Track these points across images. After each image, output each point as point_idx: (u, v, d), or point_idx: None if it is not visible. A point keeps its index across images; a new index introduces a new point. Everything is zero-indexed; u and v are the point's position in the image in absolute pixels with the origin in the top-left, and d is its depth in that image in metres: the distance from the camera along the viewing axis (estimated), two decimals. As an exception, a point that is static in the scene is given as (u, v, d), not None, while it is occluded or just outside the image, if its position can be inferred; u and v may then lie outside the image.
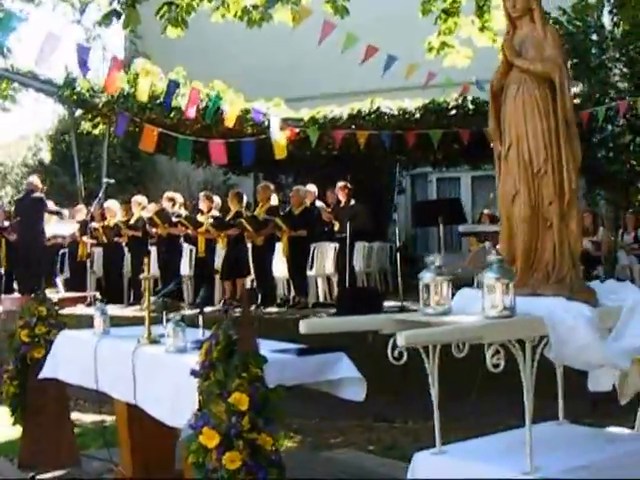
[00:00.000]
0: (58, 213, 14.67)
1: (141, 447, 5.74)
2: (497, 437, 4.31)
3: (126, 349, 5.25)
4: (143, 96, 13.25)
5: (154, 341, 5.30)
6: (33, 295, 7.10)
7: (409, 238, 20.31)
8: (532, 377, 3.60)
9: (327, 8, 11.98)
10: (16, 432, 7.07)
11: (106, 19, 9.99)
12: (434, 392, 3.91)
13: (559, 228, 4.15)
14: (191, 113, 12.44)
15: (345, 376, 4.68)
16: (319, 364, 4.68)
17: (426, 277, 3.86)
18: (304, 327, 3.91)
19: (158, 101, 14.06)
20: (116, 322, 6.65)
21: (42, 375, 6.39)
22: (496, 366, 3.45)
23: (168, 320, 5.09)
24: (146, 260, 5.50)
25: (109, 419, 7.26)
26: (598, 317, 3.82)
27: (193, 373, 4.09)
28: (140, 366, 5.06)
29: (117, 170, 21.32)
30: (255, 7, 11.39)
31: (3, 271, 14.83)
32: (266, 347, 4.70)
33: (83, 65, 9.41)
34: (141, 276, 5.95)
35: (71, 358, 6.17)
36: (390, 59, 9.14)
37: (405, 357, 3.81)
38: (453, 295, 4.06)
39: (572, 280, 4.13)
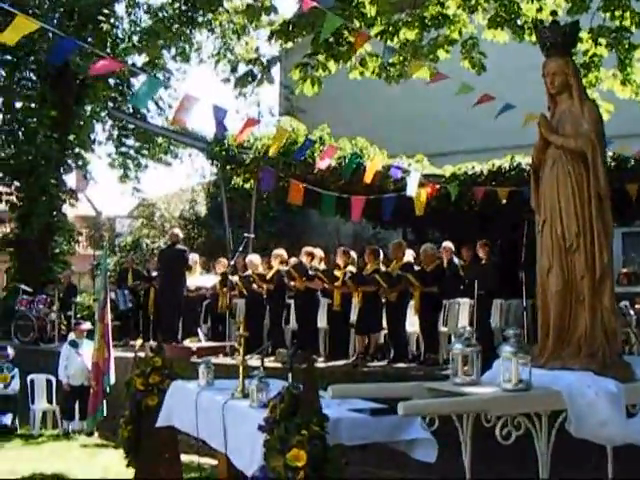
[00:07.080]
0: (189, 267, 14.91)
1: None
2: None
3: (219, 401, 5.51)
4: (274, 151, 13.62)
5: (246, 395, 5.50)
6: (173, 344, 7.38)
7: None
8: (548, 451, 3.55)
9: (465, 64, 12.11)
10: (130, 474, 7.41)
11: (243, 81, 10.53)
12: (467, 460, 3.90)
13: (591, 302, 4.08)
14: (322, 165, 12.74)
15: (417, 437, 4.71)
16: (392, 424, 4.73)
17: (455, 348, 3.89)
18: (330, 391, 4.00)
19: (302, 157, 14.46)
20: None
21: (158, 424, 6.75)
22: (506, 438, 3.44)
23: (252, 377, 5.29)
24: (241, 318, 5.72)
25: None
26: (628, 393, 3.73)
27: (260, 428, 4.28)
28: (229, 418, 5.29)
29: (270, 223, 21.86)
30: (392, 65, 11.67)
31: (152, 318, 15.39)
32: (345, 405, 4.83)
33: (219, 125, 9.85)
34: (237, 333, 6.15)
35: (180, 407, 6.50)
36: (506, 107, 9.18)
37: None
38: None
39: (604, 354, 4.04)
